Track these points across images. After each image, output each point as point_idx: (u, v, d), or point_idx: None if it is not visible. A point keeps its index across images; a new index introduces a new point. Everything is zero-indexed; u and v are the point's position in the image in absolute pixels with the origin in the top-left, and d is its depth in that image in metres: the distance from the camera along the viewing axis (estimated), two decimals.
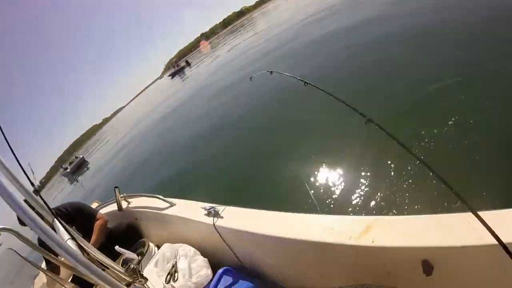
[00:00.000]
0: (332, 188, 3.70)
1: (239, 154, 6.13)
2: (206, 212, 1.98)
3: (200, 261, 1.97)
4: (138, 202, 2.59)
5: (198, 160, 7.13)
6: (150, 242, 2.45)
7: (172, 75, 49.60)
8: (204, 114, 10.53)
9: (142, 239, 2.58)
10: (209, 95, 12.81)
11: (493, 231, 0.92)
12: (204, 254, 2.06)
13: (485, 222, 0.93)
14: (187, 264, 1.94)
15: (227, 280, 1.83)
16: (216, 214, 1.93)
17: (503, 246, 0.88)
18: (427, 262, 1.21)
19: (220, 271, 1.79)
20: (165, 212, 2.24)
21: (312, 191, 3.75)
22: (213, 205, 1.98)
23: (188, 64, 51.97)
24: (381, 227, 1.35)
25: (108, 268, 1.30)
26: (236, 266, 1.95)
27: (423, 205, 2.86)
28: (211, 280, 1.83)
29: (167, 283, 1.95)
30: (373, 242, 1.29)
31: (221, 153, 6.65)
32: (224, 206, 1.97)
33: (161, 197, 2.31)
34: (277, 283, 1.99)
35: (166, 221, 2.29)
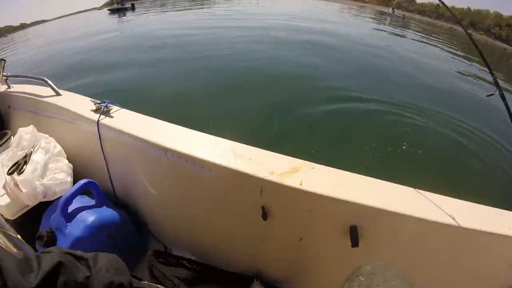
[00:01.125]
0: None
1: None
2: (95, 106, 1.57)
3: (63, 165, 1.55)
4: (21, 88, 2.07)
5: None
6: (13, 136, 1.90)
7: (112, 11, 47.10)
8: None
9: (4, 131, 2.04)
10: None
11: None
12: (72, 161, 1.64)
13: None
14: (44, 160, 1.47)
15: (86, 200, 1.47)
16: (106, 112, 1.55)
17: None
18: (354, 229, 1.09)
19: (82, 181, 1.38)
20: (45, 100, 1.78)
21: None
22: (109, 101, 1.52)
23: (133, 7, 49.17)
24: (311, 173, 1.15)
25: None
26: (105, 189, 1.58)
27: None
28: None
29: (9, 174, 1.47)
30: (301, 184, 1.09)
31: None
32: (120, 108, 1.60)
33: (48, 81, 1.84)
34: (154, 226, 1.65)
35: (42, 112, 1.83)
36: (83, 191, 1.38)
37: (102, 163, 1.57)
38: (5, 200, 1.47)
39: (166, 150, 1.28)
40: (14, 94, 1.99)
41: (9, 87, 2.05)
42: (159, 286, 0.81)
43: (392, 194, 1.07)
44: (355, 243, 1.08)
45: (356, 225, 1.08)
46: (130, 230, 1.53)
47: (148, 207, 1.61)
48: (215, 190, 1.30)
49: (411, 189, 1.10)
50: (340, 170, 1.17)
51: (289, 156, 1.24)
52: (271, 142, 3.44)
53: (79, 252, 0.63)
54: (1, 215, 1.44)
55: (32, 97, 1.85)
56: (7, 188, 1.46)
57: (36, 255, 0.56)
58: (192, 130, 1.40)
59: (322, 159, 1.31)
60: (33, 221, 1.45)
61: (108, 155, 1.55)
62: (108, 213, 1.41)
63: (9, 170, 1.48)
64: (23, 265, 0.51)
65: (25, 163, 1.48)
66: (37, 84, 1.93)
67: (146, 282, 0.80)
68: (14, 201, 1.45)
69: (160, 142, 1.30)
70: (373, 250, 1.12)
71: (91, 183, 1.40)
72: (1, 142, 1.86)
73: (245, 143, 1.32)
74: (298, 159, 1.22)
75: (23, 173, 1.42)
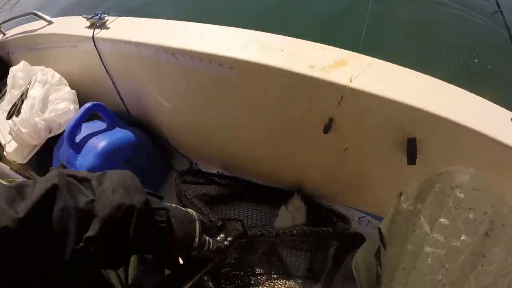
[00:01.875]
0: None
1: None
2: (88, 22, 1.33)
3: (64, 93, 1.35)
4: (16, 30, 1.89)
5: None
6: None
7: None
8: None
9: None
10: None
11: None
12: (75, 87, 1.44)
13: None
14: (42, 93, 1.28)
15: (98, 124, 1.27)
16: (101, 25, 1.29)
17: None
18: (413, 142, 0.88)
19: (86, 106, 1.18)
20: (38, 33, 1.58)
21: None
22: (102, 11, 1.32)
23: None
24: (361, 67, 0.90)
25: None
26: (117, 109, 1.41)
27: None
28: None
29: (8, 119, 1.33)
30: (351, 81, 0.86)
31: None
32: (116, 17, 1.34)
33: (37, 13, 1.62)
34: (176, 141, 1.49)
35: (39, 46, 1.64)
36: (91, 115, 1.20)
37: (108, 82, 1.37)
38: (13, 145, 1.33)
39: (173, 51, 1.06)
40: (9, 38, 1.83)
41: (4, 34, 1.89)
42: (189, 209, 0.67)
43: (466, 104, 0.84)
44: (411, 159, 0.89)
45: (415, 137, 0.87)
46: (149, 149, 1.37)
47: (166, 121, 1.42)
48: (240, 92, 1.09)
49: (488, 102, 0.86)
50: (398, 65, 0.93)
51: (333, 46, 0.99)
52: (308, 32, 2.77)
53: (82, 173, 0.52)
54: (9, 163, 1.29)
55: (26, 34, 1.67)
56: (12, 133, 1.30)
57: (33, 181, 0.46)
58: (204, 24, 1.14)
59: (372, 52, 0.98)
60: (48, 159, 1.32)
61: (113, 72, 1.33)
62: (121, 135, 1.23)
63: (8, 113, 1.32)
64: (13, 193, 0.42)
65: (22, 102, 1.30)
66: (29, 20, 1.73)
67: (173, 205, 0.66)
68: (21, 145, 1.31)
69: (165, 44, 1.07)
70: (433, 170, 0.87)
71: (96, 106, 1.20)
72: (4, 89, 1.69)
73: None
74: (344, 50, 0.97)
75: (20, 113, 1.24)
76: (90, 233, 0.44)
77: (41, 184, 0.44)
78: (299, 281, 1.11)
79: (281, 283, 1.11)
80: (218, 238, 0.71)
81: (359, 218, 1.28)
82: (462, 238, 0.49)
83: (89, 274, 0.49)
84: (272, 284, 1.10)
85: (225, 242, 0.70)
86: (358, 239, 1.13)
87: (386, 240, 0.58)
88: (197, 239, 0.60)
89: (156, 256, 0.59)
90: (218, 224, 0.76)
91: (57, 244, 0.42)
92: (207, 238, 0.65)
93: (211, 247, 0.64)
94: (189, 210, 0.67)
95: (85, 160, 1.11)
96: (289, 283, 1.11)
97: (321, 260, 1.12)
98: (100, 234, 0.45)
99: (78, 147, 1.14)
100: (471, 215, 0.50)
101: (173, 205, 0.66)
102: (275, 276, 1.11)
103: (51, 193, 0.44)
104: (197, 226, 0.62)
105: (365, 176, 1.13)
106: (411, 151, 0.88)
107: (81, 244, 0.44)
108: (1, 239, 0.38)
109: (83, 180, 0.50)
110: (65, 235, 0.43)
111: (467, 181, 0.54)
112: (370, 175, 1.11)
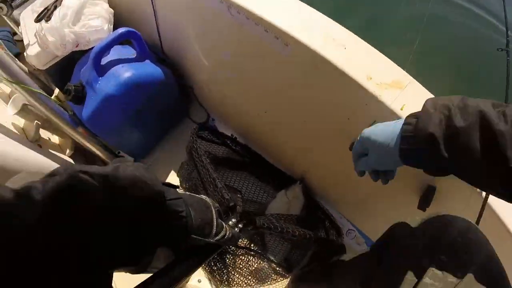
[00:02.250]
0: None
1: None
2: None
3: (101, 9, 1.31)
4: None
5: None
6: None
7: None
8: None
9: None
10: None
11: None
12: (114, 5, 1.39)
13: None
14: (78, 4, 1.24)
15: (127, 52, 1.23)
16: None
17: None
18: (432, 191, 0.87)
19: (120, 30, 1.14)
20: None
21: None
22: None
23: None
24: (415, 95, 0.88)
25: None
26: (151, 42, 1.37)
27: None
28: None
29: (37, 21, 1.28)
30: (402, 109, 0.85)
31: None
32: None
33: None
34: (200, 90, 1.49)
35: None
36: (123, 41, 1.17)
37: (149, 11, 1.31)
38: (35, 49, 1.29)
39: (230, 4, 1.00)
40: None
41: None
42: (203, 196, 0.64)
43: None
44: (423, 205, 0.88)
45: (435, 187, 0.87)
46: (173, 92, 1.35)
47: (197, 67, 1.40)
48: (286, 72, 1.05)
49: None
50: None
51: (394, 62, 0.95)
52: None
53: (95, 168, 0.48)
54: (25, 70, 1.27)
55: None
56: (37, 37, 1.27)
57: (41, 181, 0.43)
58: None
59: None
60: (68, 71, 1.29)
61: (158, 2, 1.28)
62: (149, 70, 1.20)
63: (38, 16, 1.28)
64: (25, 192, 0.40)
65: (55, 8, 1.26)
66: None
67: (187, 193, 0.63)
68: (44, 51, 1.27)
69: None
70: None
71: (132, 33, 1.15)
72: None
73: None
74: (404, 71, 0.93)
75: (50, 21, 1.21)
76: (115, 229, 0.44)
77: (54, 183, 0.42)
78: (273, 266, 1.14)
79: (255, 261, 1.13)
80: (230, 222, 0.69)
81: (348, 230, 1.32)
82: (457, 275, 0.55)
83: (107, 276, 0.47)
84: (247, 259, 1.12)
85: (236, 229, 0.68)
86: (339, 249, 1.15)
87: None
88: (215, 226, 0.59)
89: (173, 247, 0.57)
90: (230, 205, 0.73)
91: (77, 246, 0.41)
92: (224, 224, 0.63)
93: (227, 234, 0.62)
94: (203, 196, 0.65)
95: (106, 86, 1.09)
96: (263, 264, 1.14)
97: (299, 256, 1.14)
98: (125, 229, 0.45)
99: (102, 70, 1.11)
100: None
101: (187, 193, 0.63)
102: (252, 253, 1.14)
103: (67, 191, 0.42)
104: (214, 212, 0.60)
105: (371, 198, 1.15)
106: (426, 198, 0.87)
107: (107, 242, 0.43)
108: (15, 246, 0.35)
109: (98, 176, 0.48)
110: (89, 235, 0.42)
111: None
112: (376, 199, 1.13)
